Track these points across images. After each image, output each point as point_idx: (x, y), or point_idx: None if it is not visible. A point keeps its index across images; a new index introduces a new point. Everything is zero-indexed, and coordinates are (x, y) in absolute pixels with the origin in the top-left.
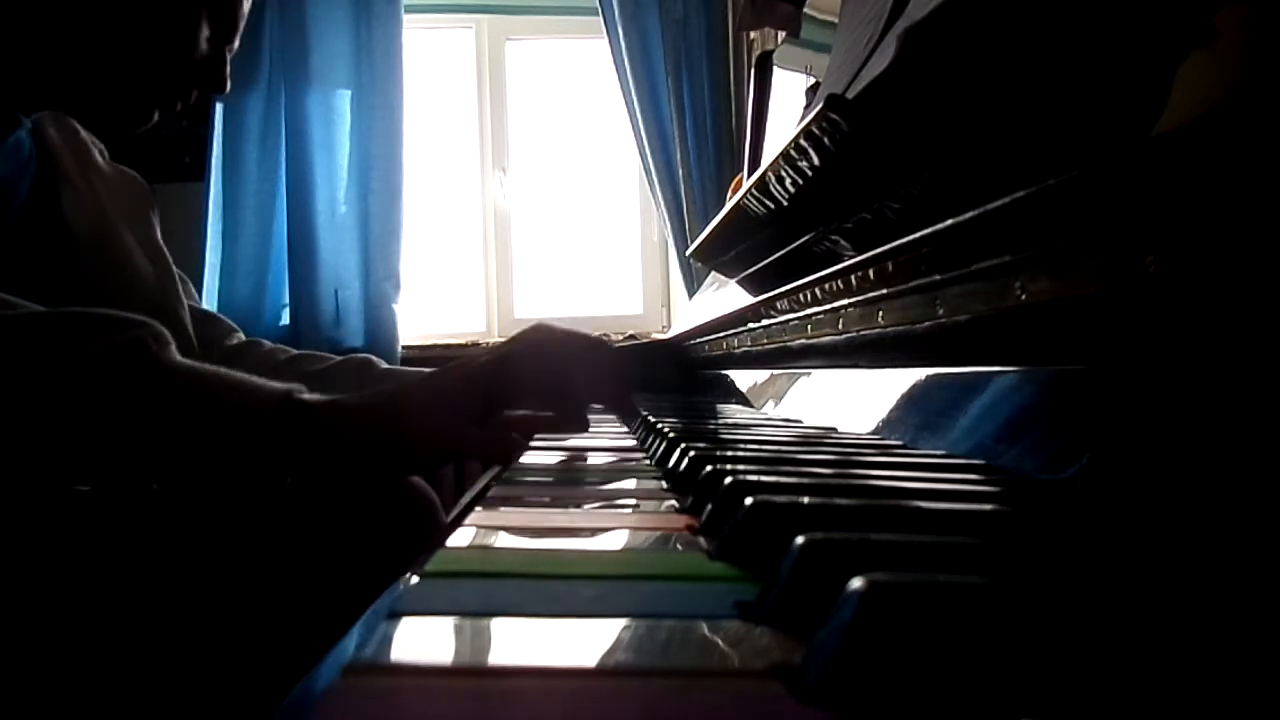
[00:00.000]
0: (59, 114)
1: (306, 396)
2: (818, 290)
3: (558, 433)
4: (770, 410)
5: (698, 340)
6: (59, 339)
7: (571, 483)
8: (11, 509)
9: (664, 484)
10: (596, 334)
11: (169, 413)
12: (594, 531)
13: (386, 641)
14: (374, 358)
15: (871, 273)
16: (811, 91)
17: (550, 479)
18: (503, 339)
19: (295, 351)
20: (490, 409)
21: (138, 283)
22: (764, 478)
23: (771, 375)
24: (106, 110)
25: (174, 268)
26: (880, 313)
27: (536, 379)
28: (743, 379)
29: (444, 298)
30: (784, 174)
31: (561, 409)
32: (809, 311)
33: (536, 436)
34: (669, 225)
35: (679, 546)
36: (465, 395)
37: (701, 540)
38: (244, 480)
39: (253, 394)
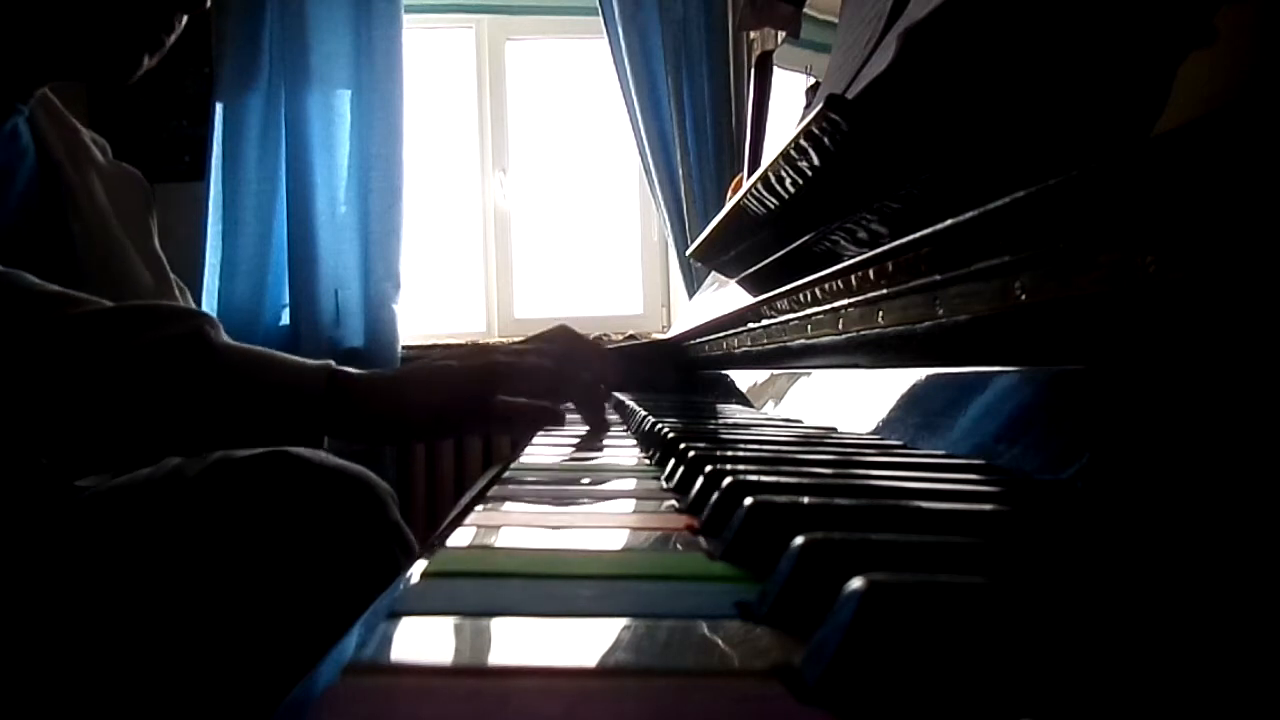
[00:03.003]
0: (57, 110)
1: (347, 370)
2: (818, 290)
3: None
4: (770, 410)
5: (698, 340)
6: (125, 331)
7: (571, 483)
8: (15, 506)
9: (664, 484)
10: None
11: (228, 391)
12: (594, 531)
13: (386, 641)
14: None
15: (871, 273)
16: (811, 91)
17: (550, 479)
18: (502, 339)
19: None
20: (487, 395)
21: (139, 296)
22: (764, 478)
23: (771, 375)
24: (94, 57)
25: (171, 274)
26: (880, 313)
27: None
28: (743, 379)
29: (444, 298)
30: (784, 174)
31: (580, 409)
32: (809, 311)
33: (536, 439)
34: (669, 225)
35: (679, 546)
36: (465, 380)
37: (701, 540)
38: (290, 443)
39: (301, 371)
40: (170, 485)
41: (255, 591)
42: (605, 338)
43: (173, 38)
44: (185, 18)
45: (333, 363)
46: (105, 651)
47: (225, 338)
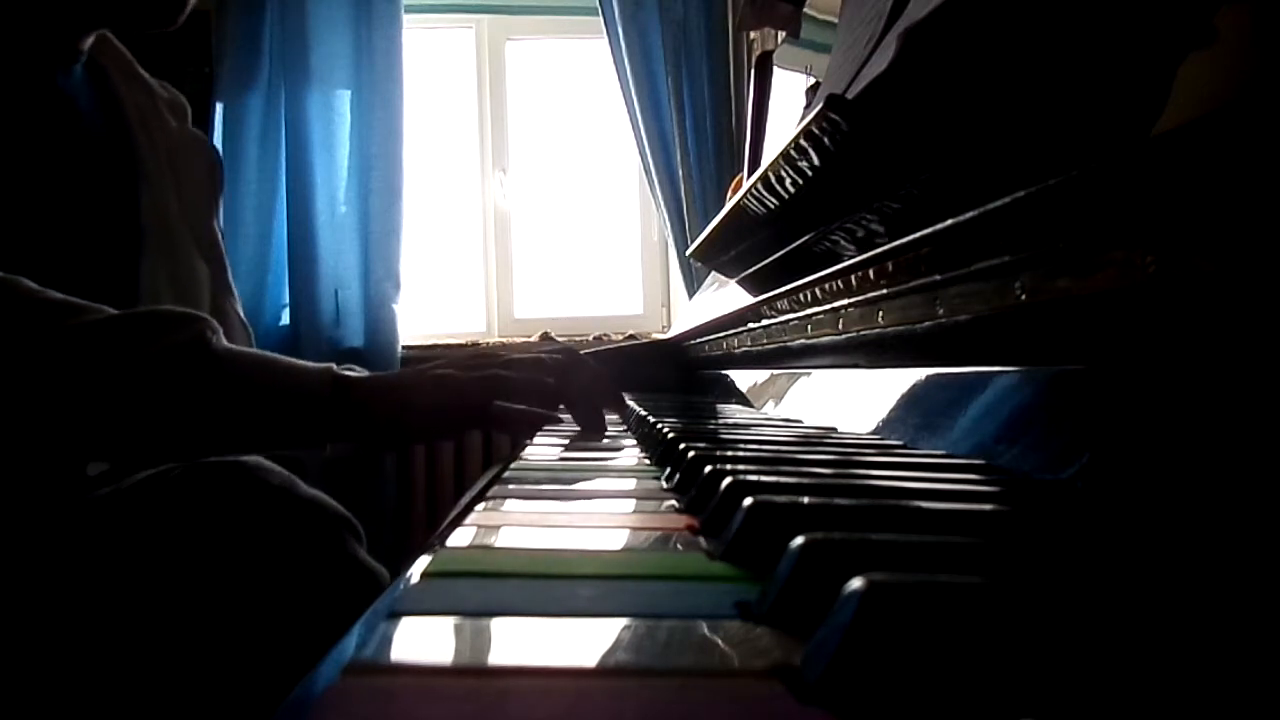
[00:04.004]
0: (132, 69)
1: (348, 373)
2: (818, 290)
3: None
4: (770, 410)
5: (698, 340)
6: (127, 341)
7: (571, 483)
8: (23, 506)
9: (664, 484)
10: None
11: (231, 397)
12: (594, 531)
13: (386, 641)
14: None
15: (871, 273)
16: (811, 91)
17: (550, 479)
18: (502, 339)
19: None
20: (486, 402)
21: (193, 286)
22: (764, 478)
23: (771, 375)
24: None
25: (228, 274)
26: (880, 313)
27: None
28: (743, 379)
29: (444, 298)
30: (784, 174)
31: (576, 416)
32: (809, 311)
33: (536, 438)
34: (669, 225)
35: (679, 546)
36: (465, 386)
37: (701, 540)
38: (295, 447)
39: (304, 374)
40: (117, 496)
41: (187, 610)
42: (605, 338)
43: None
44: None
45: (334, 366)
46: (98, 655)
47: (225, 342)
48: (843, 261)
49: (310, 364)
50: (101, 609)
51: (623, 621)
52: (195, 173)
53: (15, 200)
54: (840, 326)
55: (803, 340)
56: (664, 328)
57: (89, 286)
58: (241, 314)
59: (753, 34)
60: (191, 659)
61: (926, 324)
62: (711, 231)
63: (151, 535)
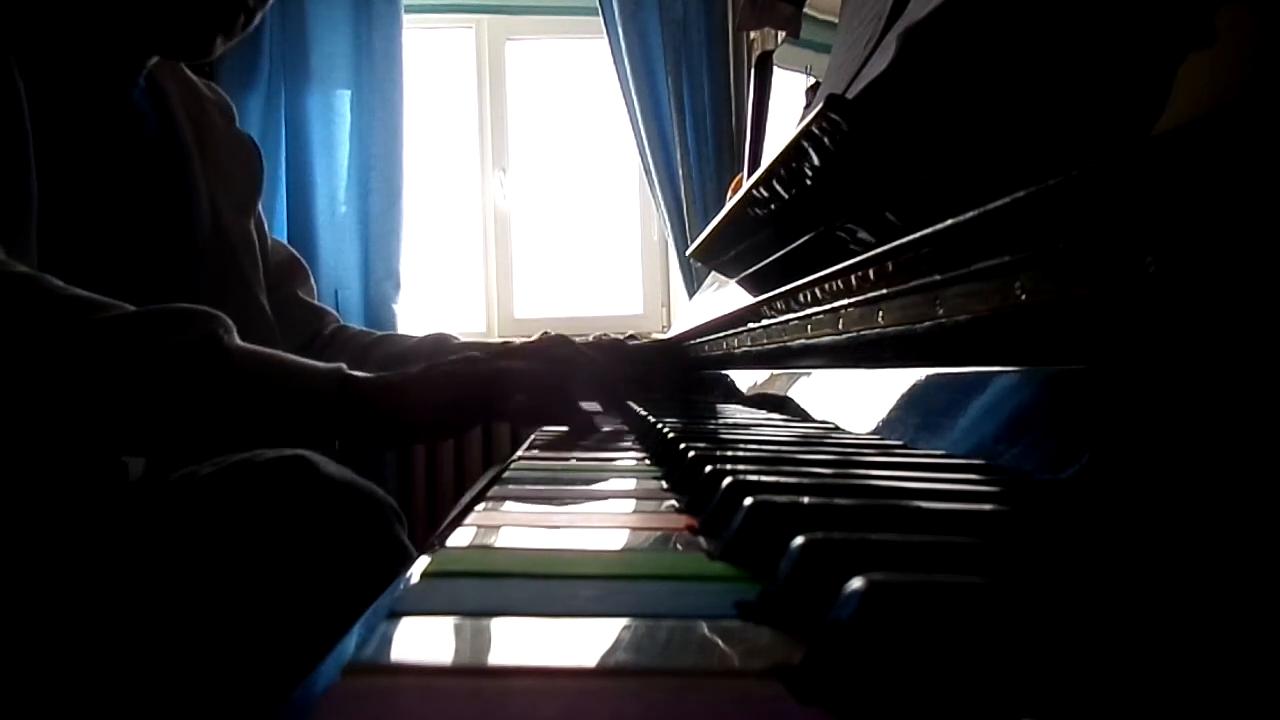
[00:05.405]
0: (183, 75)
1: (358, 374)
2: (818, 290)
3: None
4: (770, 410)
5: (698, 340)
6: (144, 337)
7: (571, 483)
8: (25, 504)
9: (664, 484)
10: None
11: (242, 395)
12: (594, 531)
13: (386, 641)
14: (448, 334)
15: (871, 273)
16: (811, 91)
17: (550, 479)
18: (502, 339)
19: (378, 334)
20: (490, 400)
21: (242, 289)
22: (764, 478)
23: (771, 375)
24: (167, 34)
25: (288, 252)
26: (880, 313)
27: (535, 385)
28: (743, 379)
29: (444, 298)
30: (784, 174)
31: (567, 417)
32: (809, 311)
33: (537, 439)
34: (669, 225)
35: (679, 546)
36: (470, 385)
37: (701, 540)
38: (303, 444)
39: (314, 374)
40: (181, 486)
41: (250, 597)
42: (604, 337)
43: (251, 23)
44: (267, 5)
45: (344, 366)
46: (104, 651)
47: (237, 340)
48: (842, 261)
49: (320, 364)
50: (155, 595)
51: (623, 621)
52: (240, 173)
53: (86, 212)
54: (840, 326)
55: (803, 340)
56: (664, 328)
57: (150, 294)
58: (267, 306)
59: (753, 34)
60: (251, 642)
61: (926, 324)
62: (711, 231)
63: (211, 523)
